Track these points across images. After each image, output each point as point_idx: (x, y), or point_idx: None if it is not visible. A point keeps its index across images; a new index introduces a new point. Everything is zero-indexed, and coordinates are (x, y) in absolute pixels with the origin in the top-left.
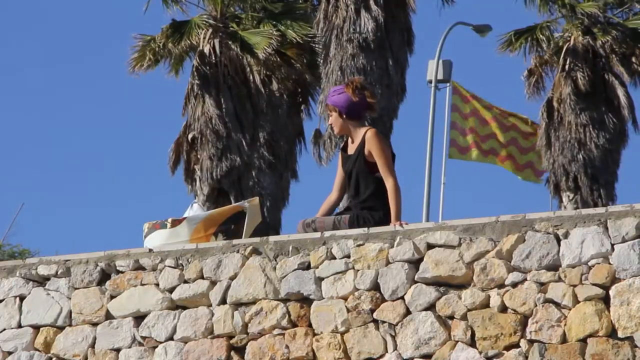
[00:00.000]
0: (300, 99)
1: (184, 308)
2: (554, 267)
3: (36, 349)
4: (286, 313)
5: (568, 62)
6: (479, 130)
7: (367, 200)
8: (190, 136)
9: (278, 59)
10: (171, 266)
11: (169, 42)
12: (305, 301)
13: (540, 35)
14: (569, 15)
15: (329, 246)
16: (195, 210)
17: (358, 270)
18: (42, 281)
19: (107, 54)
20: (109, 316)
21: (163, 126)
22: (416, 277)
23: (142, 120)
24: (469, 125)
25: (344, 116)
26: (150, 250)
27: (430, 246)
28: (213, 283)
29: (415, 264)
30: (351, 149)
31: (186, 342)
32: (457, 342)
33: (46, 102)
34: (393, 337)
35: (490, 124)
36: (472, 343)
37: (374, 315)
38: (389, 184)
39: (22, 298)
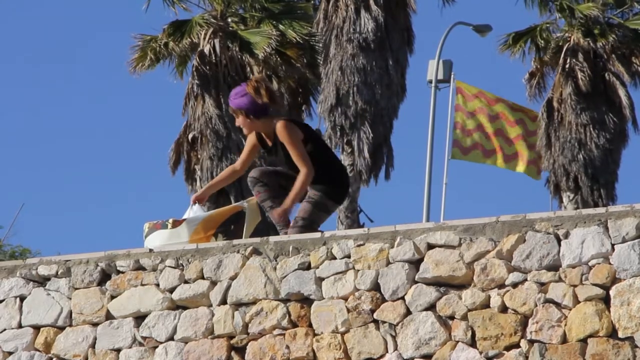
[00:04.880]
0: (301, 99)
1: (185, 308)
2: (554, 267)
3: (36, 349)
4: (286, 313)
5: (568, 62)
6: (487, 127)
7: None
8: (190, 136)
9: (278, 59)
10: (171, 266)
11: (170, 40)
12: (306, 301)
13: (540, 39)
14: (568, 18)
15: (329, 246)
16: (196, 210)
17: (358, 271)
18: (42, 281)
19: (107, 53)
20: (109, 316)
21: (163, 126)
22: (416, 277)
23: (142, 120)
24: (474, 124)
25: (251, 116)
26: (151, 250)
27: (430, 246)
28: (213, 283)
29: (415, 264)
30: (270, 143)
31: (186, 343)
32: (457, 342)
33: (46, 102)
34: (393, 338)
35: (497, 120)
36: (472, 343)
37: (375, 315)
38: (301, 171)
39: (22, 298)
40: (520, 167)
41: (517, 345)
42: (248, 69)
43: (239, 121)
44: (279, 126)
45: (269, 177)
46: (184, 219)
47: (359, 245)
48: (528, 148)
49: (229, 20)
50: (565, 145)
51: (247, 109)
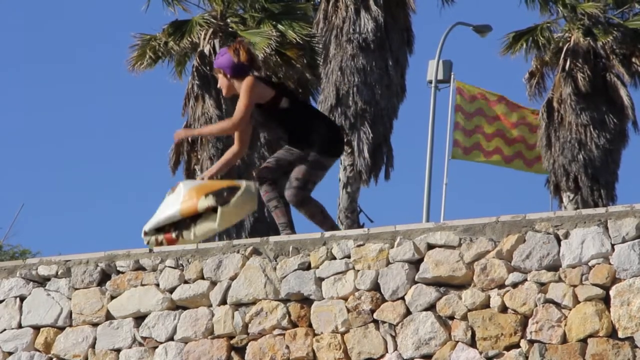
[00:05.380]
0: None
1: (184, 308)
2: (554, 267)
3: (36, 350)
4: (286, 313)
5: (568, 62)
6: (486, 129)
7: (291, 137)
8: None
9: (278, 59)
10: (171, 266)
11: (170, 40)
12: (306, 301)
13: (541, 37)
14: (570, 15)
15: (329, 246)
16: (181, 187)
17: (358, 271)
18: (42, 281)
19: (107, 53)
20: (109, 316)
21: (163, 126)
22: (416, 277)
23: (142, 120)
24: (473, 125)
25: (229, 76)
26: (151, 250)
27: (430, 246)
28: (213, 283)
29: (415, 264)
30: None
31: (186, 343)
32: (457, 342)
33: (46, 101)
34: (393, 338)
35: (496, 121)
36: (472, 343)
37: (374, 315)
38: (229, 119)
39: (22, 298)
40: (528, 170)
41: (517, 346)
42: None
43: (219, 82)
44: (247, 79)
45: (275, 173)
46: (180, 182)
47: (359, 246)
48: (529, 148)
49: (229, 20)
50: (565, 145)
51: (224, 67)
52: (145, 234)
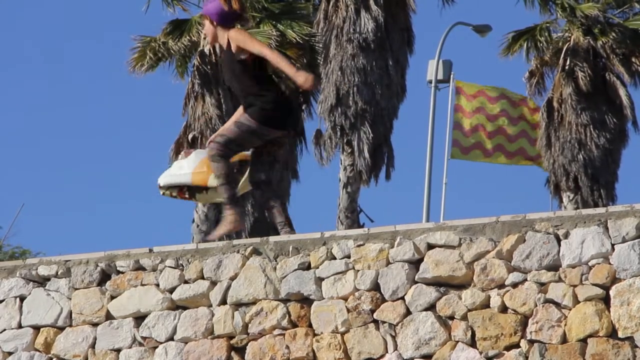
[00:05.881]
0: (301, 99)
1: (184, 308)
2: (554, 267)
3: (36, 350)
4: (286, 313)
5: (568, 62)
6: (487, 126)
7: (258, 92)
8: (190, 136)
9: None
10: (171, 266)
11: (169, 39)
12: (306, 301)
13: (540, 37)
14: (569, 17)
15: (329, 246)
16: (193, 156)
17: (358, 271)
18: (42, 281)
19: (107, 53)
20: (109, 316)
21: (163, 126)
22: (416, 277)
23: (142, 120)
24: (473, 124)
25: (215, 23)
26: (151, 250)
27: (430, 246)
28: (213, 283)
29: (415, 264)
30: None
31: (186, 343)
32: (457, 342)
33: (46, 101)
34: (393, 338)
35: (498, 118)
36: (472, 343)
37: (374, 315)
38: (272, 53)
39: (22, 298)
40: (526, 162)
41: (517, 345)
42: None
43: (205, 28)
44: (234, 31)
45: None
46: (193, 150)
47: (359, 246)
48: (531, 144)
49: None
50: (565, 145)
51: (212, 13)
52: (160, 187)
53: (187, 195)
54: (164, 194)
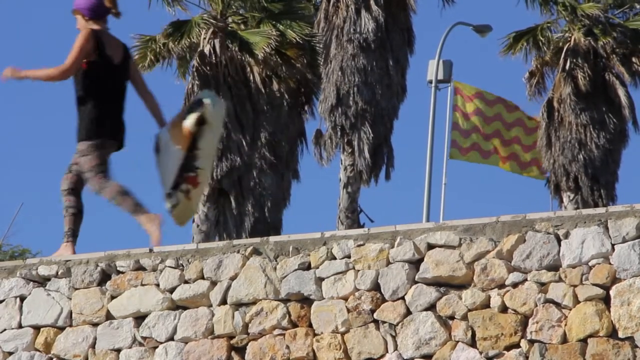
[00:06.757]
0: (303, 99)
1: (185, 308)
2: (554, 267)
3: (37, 350)
4: (286, 313)
5: (568, 62)
6: (484, 129)
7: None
8: None
9: (278, 59)
10: (171, 266)
11: (169, 41)
12: (306, 301)
13: (541, 37)
14: (570, 17)
15: (329, 246)
16: (161, 137)
17: (358, 271)
18: (42, 281)
19: None
20: (109, 316)
21: None
22: (416, 277)
23: (142, 120)
24: (471, 125)
25: (87, 18)
26: (151, 250)
27: (430, 246)
28: (213, 283)
29: (415, 264)
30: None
31: (187, 343)
32: (457, 342)
33: (46, 101)
34: (393, 338)
35: (494, 121)
36: (472, 343)
37: (375, 315)
38: (59, 66)
39: (22, 298)
40: (522, 172)
41: (517, 345)
42: (248, 69)
43: (78, 23)
44: (82, 32)
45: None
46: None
47: (359, 246)
48: (524, 150)
49: (229, 20)
50: (566, 145)
51: (82, 8)
52: (169, 195)
53: (194, 174)
54: (174, 205)
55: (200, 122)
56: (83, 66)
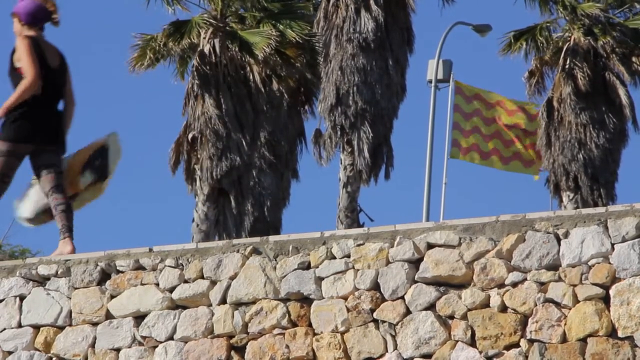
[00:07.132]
0: (302, 99)
1: (184, 308)
2: (554, 266)
3: (36, 349)
4: (286, 313)
5: (568, 61)
6: (483, 130)
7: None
8: (190, 136)
9: (278, 59)
10: (171, 266)
11: (170, 41)
12: (306, 301)
13: (541, 37)
14: (570, 16)
15: (329, 246)
16: (34, 190)
17: (358, 270)
18: (42, 281)
19: (107, 53)
20: (109, 316)
21: (163, 126)
22: (416, 276)
23: (142, 120)
24: (471, 126)
25: (23, 22)
26: (151, 250)
27: (430, 246)
28: (213, 283)
29: (415, 263)
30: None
31: (186, 342)
32: (457, 341)
33: None
34: (393, 337)
35: (494, 122)
36: (472, 343)
37: (374, 315)
38: (26, 79)
39: (22, 298)
40: (522, 168)
41: (516, 345)
42: (248, 68)
43: (14, 27)
44: (23, 38)
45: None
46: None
47: (358, 245)
48: (525, 149)
49: (229, 20)
50: (565, 144)
51: (20, 13)
52: (29, 220)
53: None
54: (34, 224)
55: (95, 182)
56: (20, 72)
